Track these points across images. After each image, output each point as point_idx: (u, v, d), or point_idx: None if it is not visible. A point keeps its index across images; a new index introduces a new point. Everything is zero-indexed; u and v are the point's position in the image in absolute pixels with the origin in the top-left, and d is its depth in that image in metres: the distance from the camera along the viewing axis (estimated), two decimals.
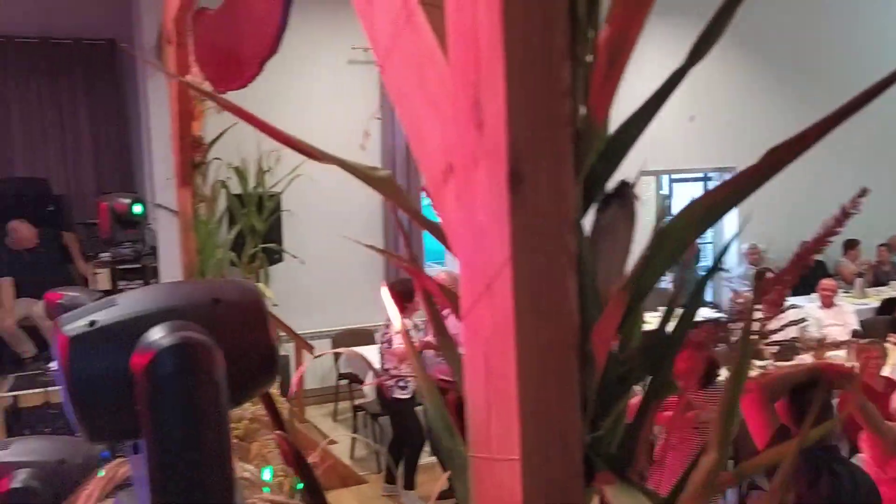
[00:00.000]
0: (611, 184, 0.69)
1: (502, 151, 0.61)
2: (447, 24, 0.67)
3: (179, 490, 0.62)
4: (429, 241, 6.84)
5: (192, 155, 3.77)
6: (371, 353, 5.30)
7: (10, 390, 4.18)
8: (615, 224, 0.65)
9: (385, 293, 3.70)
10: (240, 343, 0.72)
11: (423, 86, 0.75)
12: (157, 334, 0.63)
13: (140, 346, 0.63)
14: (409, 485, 4.42)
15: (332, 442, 5.22)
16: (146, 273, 4.86)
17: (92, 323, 0.65)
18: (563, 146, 0.62)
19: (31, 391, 4.13)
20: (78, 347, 0.64)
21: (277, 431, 1.02)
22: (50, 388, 3.97)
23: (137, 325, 0.65)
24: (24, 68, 6.53)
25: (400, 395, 4.37)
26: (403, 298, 4.02)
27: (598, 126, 0.63)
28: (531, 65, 0.61)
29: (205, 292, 0.76)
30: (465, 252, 0.70)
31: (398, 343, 4.25)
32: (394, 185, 0.78)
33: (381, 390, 4.51)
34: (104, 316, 0.66)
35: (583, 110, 0.63)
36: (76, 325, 0.65)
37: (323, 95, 6.15)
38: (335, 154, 0.82)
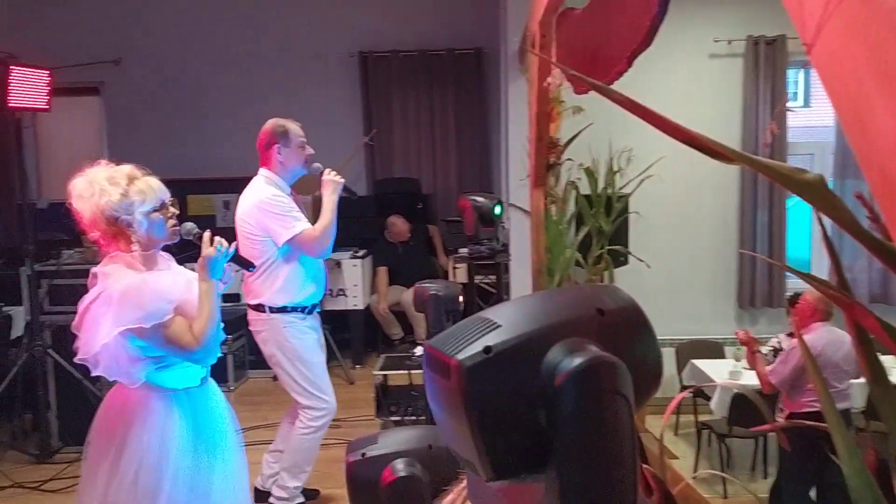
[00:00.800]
0: None
1: None
2: None
3: None
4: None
5: (547, 156, 3.83)
6: (717, 367, 4.93)
7: (381, 369, 4.68)
8: None
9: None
10: (628, 355, 0.63)
11: (878, 62, 0.58)
12: (560, 356, 0.57)
13: (545, 369, 0.57)
14: None
15: (674, 457, 4.97)
16: (499, 269, 5.09)
17: (487, 349, 0.59)
18: None
19: (397, 372, 4.58)
20: (478, 377, 0.59)
21: (645, 466, 0.91)
22: (413, 371, 4.34)
23: (531, 346, 0.59)
24: (405, 80, 7.29)
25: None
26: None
27: None
28: None
29: (586, 303, 0.68)
30: None
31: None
32: (826, 191, 0.62)
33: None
34: (495, 339, 0.60)
35: None
36: (469, 352, 0.60)
37: (680, 91, 5.86)
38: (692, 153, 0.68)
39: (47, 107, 4.61)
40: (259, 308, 3.48)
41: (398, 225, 6.73)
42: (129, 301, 2.00)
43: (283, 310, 3.44)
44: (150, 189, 2.11)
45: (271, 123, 3.52)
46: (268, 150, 3.49)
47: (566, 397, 0.57)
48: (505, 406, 0.60)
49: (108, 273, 2.06)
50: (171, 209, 2.16)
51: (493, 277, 5.37)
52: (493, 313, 0.64)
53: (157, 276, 2.13)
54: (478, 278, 5.34)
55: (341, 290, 6.31)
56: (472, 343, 0.60)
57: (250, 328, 3.58)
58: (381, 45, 7.26)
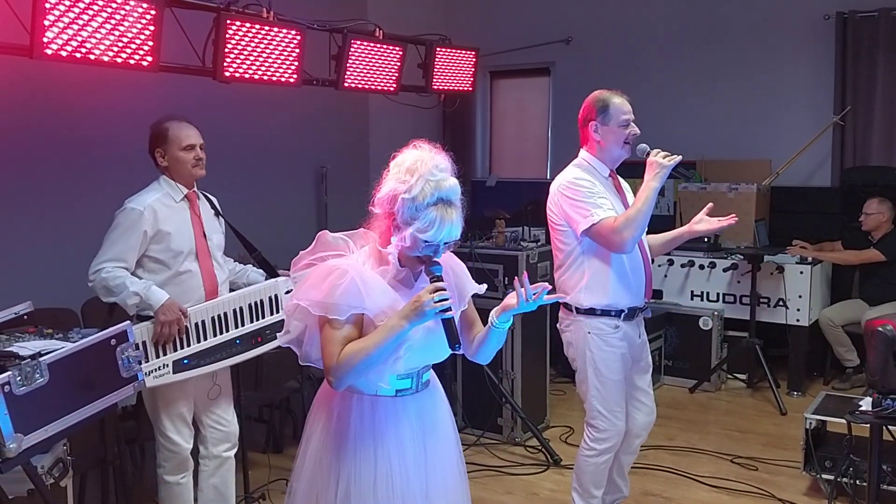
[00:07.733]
0: None
1: None
2: None
3: None
4: None
5: None
6: None
7: (817, 411, 3.69)
8: None
9: None
10: None
11: None
12: None
13: None
14: None
15: None
16: None
17: None
18: None
19: (836, 419, 3.58)
20: None
21: None
22: (857, 424, 3.26)
23: None
24: None
25: None
26: None
27: None
28: None
29: None
30: None
31: None
32: None
33: None
34: None
35: None
36: None
37: None
38: None
39: (471, 88, 4.67)
40: (567, 307, 3.12)
41: (872, 211, 5.33)
42: (319, 279, 1.80)
43: (590, 312, 3.03)
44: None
45: (593, 96, 3.10)
46: (585, 127, 3.09)
47: None
48: None
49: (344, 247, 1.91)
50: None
51: None
52: None
53: (372, 275, 1.84)
54: None
55: (781, 299, 5.32)
56: None
57: (557, 325, 3.21)
58: (868, 1, 5.88)
